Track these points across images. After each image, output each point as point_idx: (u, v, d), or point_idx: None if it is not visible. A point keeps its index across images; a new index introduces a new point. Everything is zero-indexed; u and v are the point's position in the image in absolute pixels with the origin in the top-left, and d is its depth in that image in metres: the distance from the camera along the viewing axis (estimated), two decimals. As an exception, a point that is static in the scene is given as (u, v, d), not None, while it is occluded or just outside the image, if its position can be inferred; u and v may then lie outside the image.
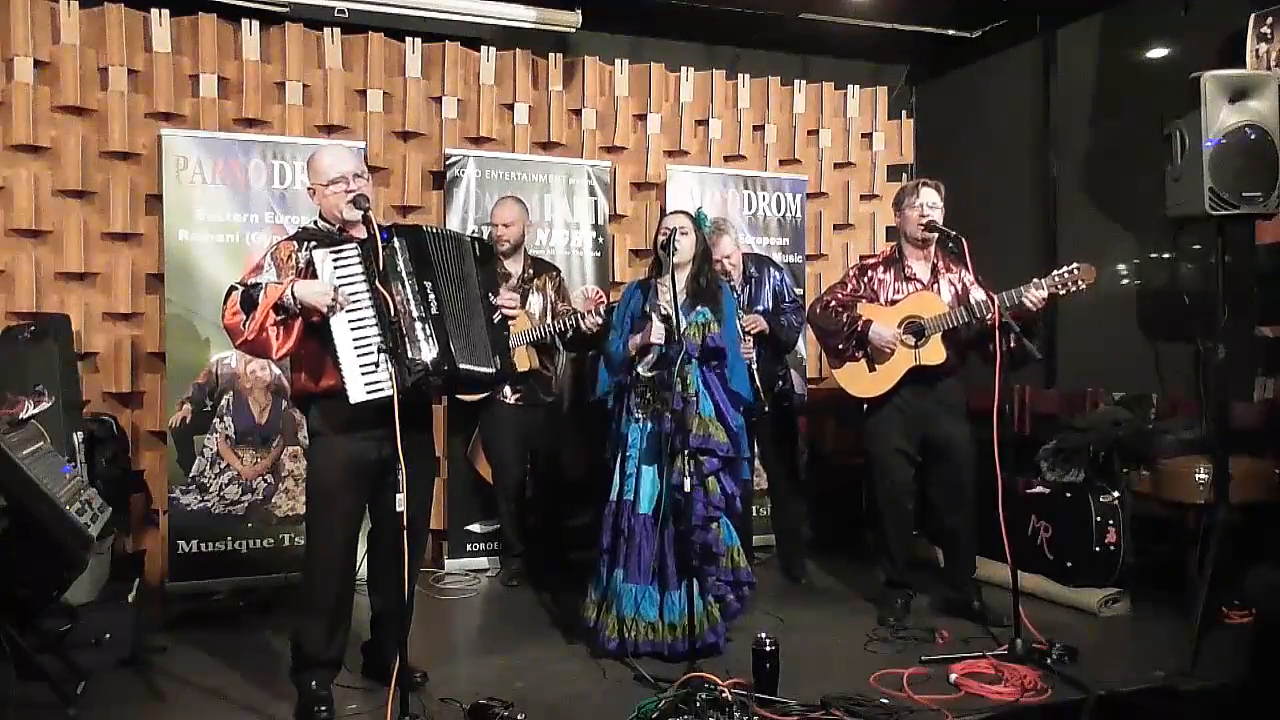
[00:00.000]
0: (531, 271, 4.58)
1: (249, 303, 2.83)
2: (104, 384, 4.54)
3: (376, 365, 2.79)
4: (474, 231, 4.81)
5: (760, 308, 4.40)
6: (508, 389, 4.48)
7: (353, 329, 2.82)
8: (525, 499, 4.74)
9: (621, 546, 3.52)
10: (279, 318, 2.81)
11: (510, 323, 3.24)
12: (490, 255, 3.25)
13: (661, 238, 3.60)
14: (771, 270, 4.54)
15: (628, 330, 3.69)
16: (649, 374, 3.57)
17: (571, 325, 4.21)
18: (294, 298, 2.79)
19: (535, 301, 4.53)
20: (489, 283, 3.17)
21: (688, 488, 3.33)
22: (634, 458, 3.56)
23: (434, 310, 2.89)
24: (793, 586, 4.58)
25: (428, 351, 2.85)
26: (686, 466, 3.32)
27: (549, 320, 4.44)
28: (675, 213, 3.81)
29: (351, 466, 2.97)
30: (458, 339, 2.92)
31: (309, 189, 3.11)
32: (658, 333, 3.52)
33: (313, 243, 2.94)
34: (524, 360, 4.46)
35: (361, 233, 2.91)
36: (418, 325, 2.86)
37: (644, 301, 3.67)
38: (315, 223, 3.10)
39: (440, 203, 5.06)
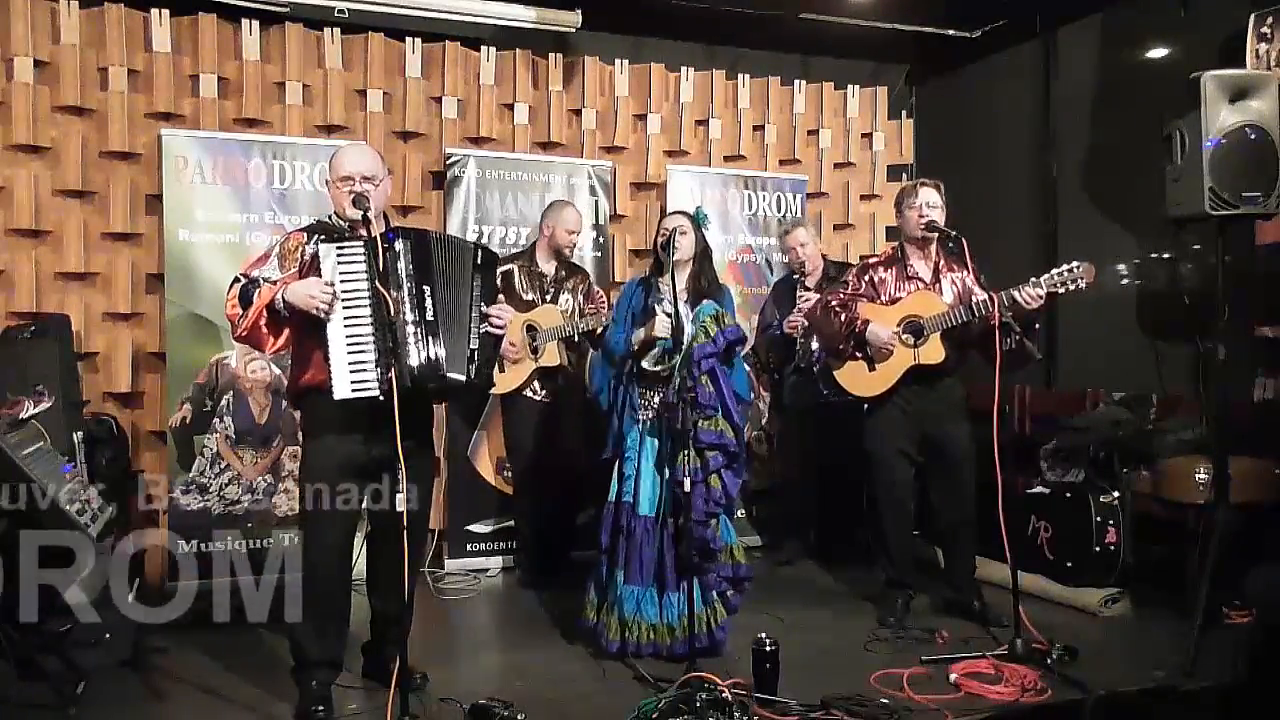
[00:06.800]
0: (564, 272, 4.66)
1: (246, 299, 2.86)
2: (104, 384, 4.53)
3: (365, 364, 2.79)
4: (475, 234, 4.90)
5: None
6: (536, 384, 4.55)
7: (347, 326, 2.82)
8: (544, 496, 4.71)
9: (621, 548, 3.52)
10: (270, 318, 2.83)
11: (501, 332, 3.16)
12: (492, 263, 3.22)
13: (660, 238, 3.63)
14: None
15: (629, 326, 3.68)
16: (653, 368, 3.55)
17: (602, 324, 4.26)
18: (284, 302, 2.81)
19: (566, 300, 4.59)
20: (487, 291, 3.12)
21: (688, 487, 3.31)
22: (632, 459, 3.55)
23: (429, 316, 2.89)
24: (810, 581, 4.66)
25: (416, 356, 2.85)
26: (687, 463, 3.29)
27: (578, 319, 4.51)
28: (675, 213, 3.83)
29: (343, 466, 2.96)
30: (447, 346, 2.92)
31: (327, 182, 3.12)
32: (662, 326, 3.51)
33: (321, 236, 2.96)
34: (552, 356, 4.53)
35: (374, 232, 2.91)
36: (410, 329, 2.85)
37: (645, 298, 3.67)
38: (330, 217, 3.12)
39: (440, 203, 5.05)
